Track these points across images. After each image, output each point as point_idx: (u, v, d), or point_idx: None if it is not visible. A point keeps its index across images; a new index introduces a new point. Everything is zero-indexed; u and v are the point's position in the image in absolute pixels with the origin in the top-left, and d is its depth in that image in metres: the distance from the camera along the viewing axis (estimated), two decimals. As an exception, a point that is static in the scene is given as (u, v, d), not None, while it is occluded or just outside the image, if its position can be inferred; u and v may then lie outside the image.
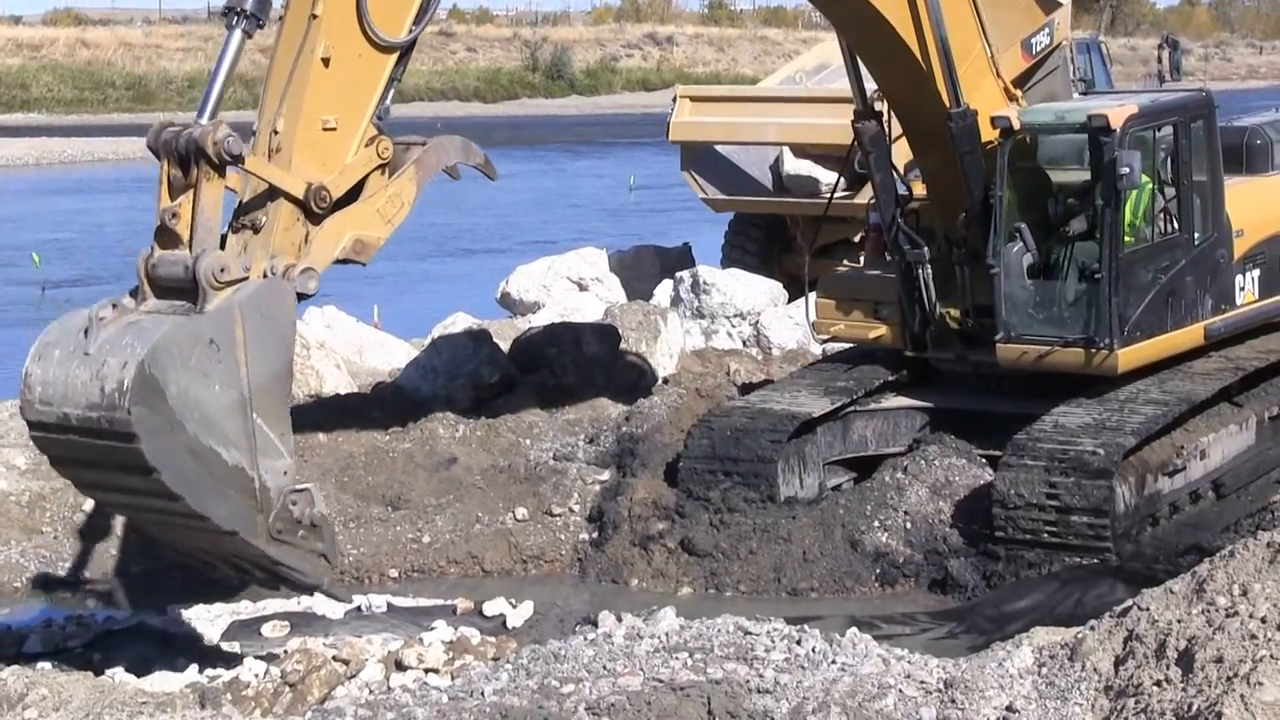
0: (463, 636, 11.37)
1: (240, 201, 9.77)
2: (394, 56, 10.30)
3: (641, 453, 14.26)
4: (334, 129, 9.98)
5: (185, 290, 9.24)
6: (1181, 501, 13.33)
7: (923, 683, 7.87)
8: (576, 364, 16.83)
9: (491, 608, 12.24)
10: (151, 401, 8.74)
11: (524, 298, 22.35)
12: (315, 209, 9.74)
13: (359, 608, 12.29)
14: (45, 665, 10.30)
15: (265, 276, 9.40)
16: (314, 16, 9.92)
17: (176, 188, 9.40)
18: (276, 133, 9.85)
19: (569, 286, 22.40)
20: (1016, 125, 13.37)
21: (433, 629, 11.58)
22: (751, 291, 20.52)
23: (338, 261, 10.05)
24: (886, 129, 14.06)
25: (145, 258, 9.44)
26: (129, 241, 37.42)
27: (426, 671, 10.68)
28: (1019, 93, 13.96)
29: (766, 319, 19.78)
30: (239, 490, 9.21)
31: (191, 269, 9.14)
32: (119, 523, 13.80)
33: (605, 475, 14.27)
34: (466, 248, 36.05)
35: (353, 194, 10.10)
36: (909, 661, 8.24)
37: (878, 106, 14.04)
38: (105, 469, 9.12)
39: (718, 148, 22.36)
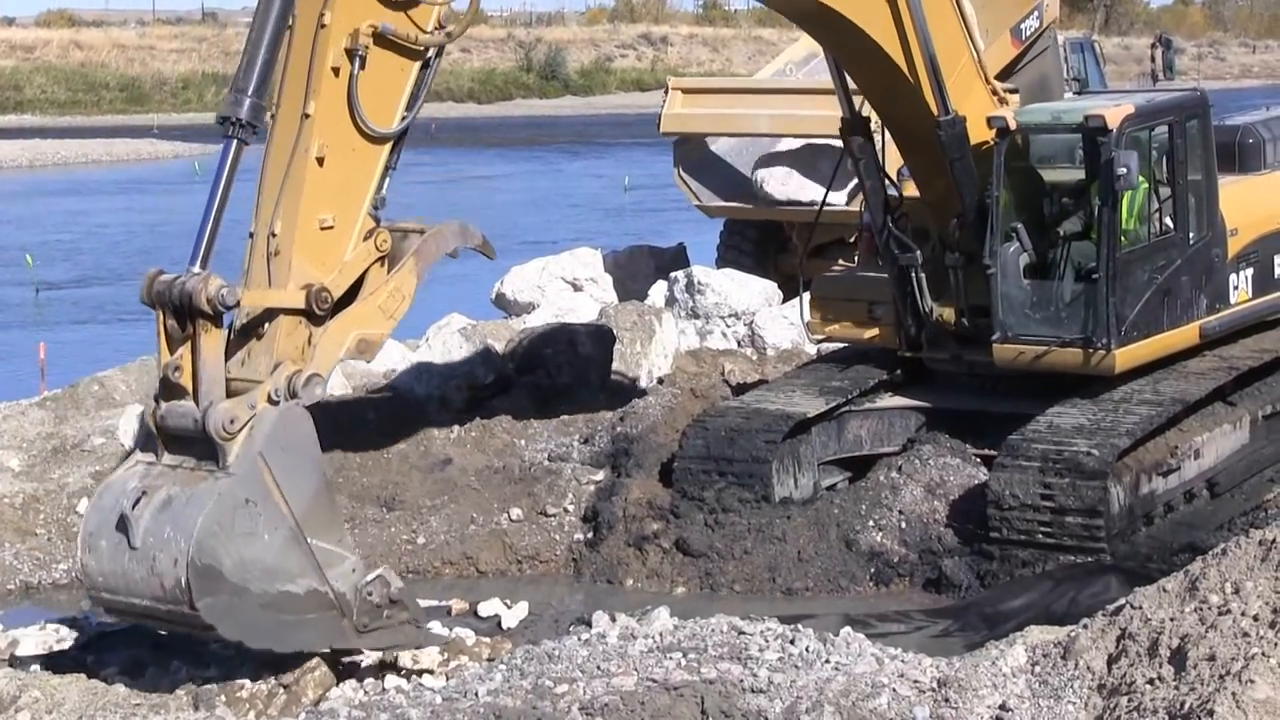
0: (458, 637, 11.35)
1: (236, 327, 9.72)
2: (388, 146, 10.29)
3: (636, 453, 14.26)
4: (331, 227, 9.96)
5: (196, 440, 9.29)
6: (1176, 501, 13.33)
7: (916, 682, 7.88)
8: (571, 364, 16.84)
9: (486, 608, 12.24)
10: (213, 589, 8.94)
11: (519, 298, 22.35)
12: (317, 311, 9.74)
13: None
14: (38, 668, 10.28)
15: (270, 398, 9.38)
16: (306, 116, 9.90)
17: (175, 339, 9.40)
18: (274, 235, 9.83)
19: (563, 287, 22.39)
20: (1013, 125, 13.38)
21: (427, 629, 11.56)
22: (746, 292, 20.52)
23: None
24: (874, 137, 14.06)
25: (153, 411, 9.49)
26: (123, 243, 37.46)
27: (421, 673, 10.67)
28: (1008, 95, 13.96)
29: (761, 319, 19.78)
30: (319, 610, 9.43)
31: (201, 423, 9.19)
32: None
33: (600, 475, 14.27)
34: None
35: (353, 289, 10.10)
36: (903, 660, 8.25)
37: (865, 114, 14.03)
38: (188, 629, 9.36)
39: (713, 149, 22.34)
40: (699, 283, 20.47)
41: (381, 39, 10.14)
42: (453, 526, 13.75)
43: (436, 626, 11.62)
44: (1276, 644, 7.09)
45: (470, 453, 14.84)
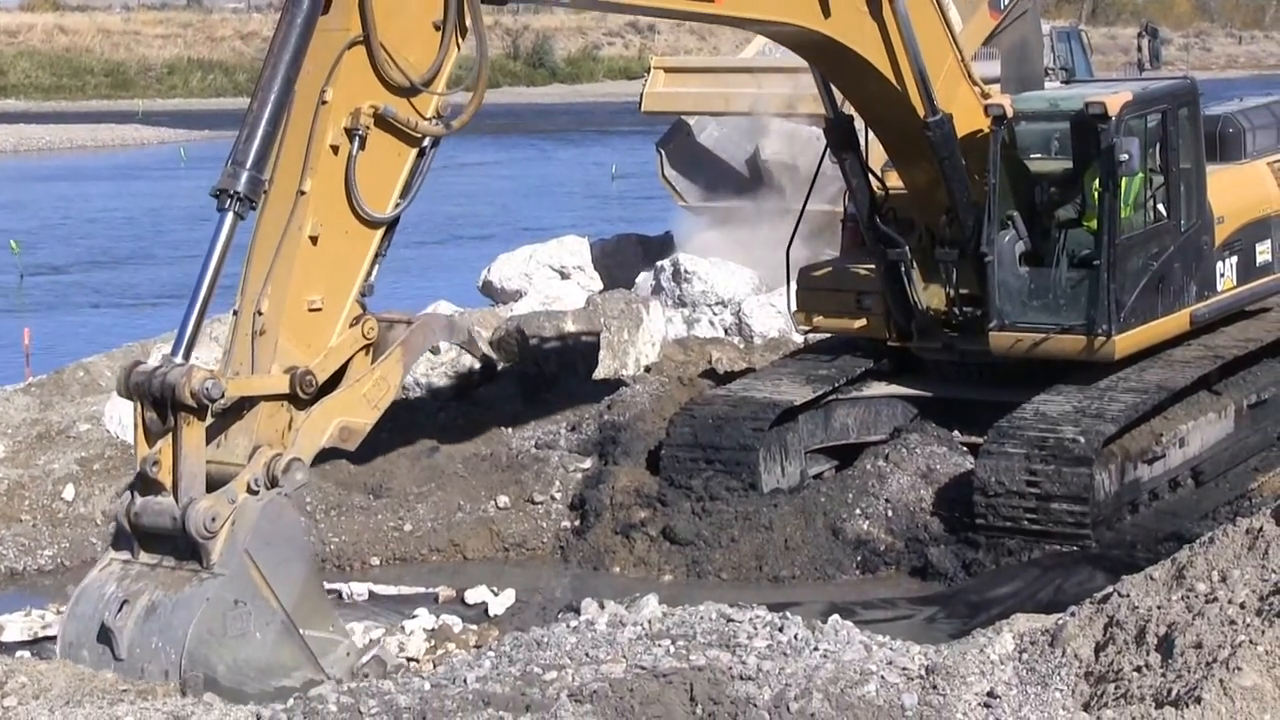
0: (445, 624, 11.36)
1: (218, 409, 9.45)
2: (380, 232, 10.09)
3: (623, 441, 14.27)
4: (320, 309, 9.74)
5: (174, 537, 9.02)
6: (1161, 489, 13.37)
7: (904, 669, 7.89)
8: (558, 352, 16.83)
9: (473, 595, 12.25)
10: (208, 693, 8.68)
11: (506, 286, 22.33)
12: (301, 394, 9.51)
13: (341, 595, 12.28)
14: (24, 654, 10.27)
15: (250, 488, 9.12)
16: (302, 193, 9.70)
17: (154, 432, 9.13)
18: (260, 314, 9.59)
19: (551, 275, 22.38)
20: (1010, 113, 13.38)
21: (415, 617, 11.58)
22: (732, 280, 20.51)
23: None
24: (858, 134, 14.06)
25: (128, 506, 9.21)
26: (109, 229, 37.37)
27: (409, 660, 10.68)
28: (992, 90, 13.96)
29: (748, 307, 19.77)
30: None
31: (180, 521, 8.93)
32: (98, 511, 13.78)
33: (587, 463, 14.28)
34: (448, 236, 36.00)
35: (335, 376, 9.86)
36: (891, 648, 8.26)
37: (848, 112, 14.02)
38: None
39: (700, 139, 22.31)
40: (685, 271, 20.46)
41: (382, 121, 9.93)
42: (440, 514, 13.75)
43: (424, 614, 11.64)
44: (1263, 631, 7.11)
45: (457, 440, 14.83)
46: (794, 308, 14.92)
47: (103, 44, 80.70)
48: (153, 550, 9.16)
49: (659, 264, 21.08)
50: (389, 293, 26.80)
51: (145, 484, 9.13)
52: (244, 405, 9.47)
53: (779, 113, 20.65)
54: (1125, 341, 13.22)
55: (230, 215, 9.42)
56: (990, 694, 7.64)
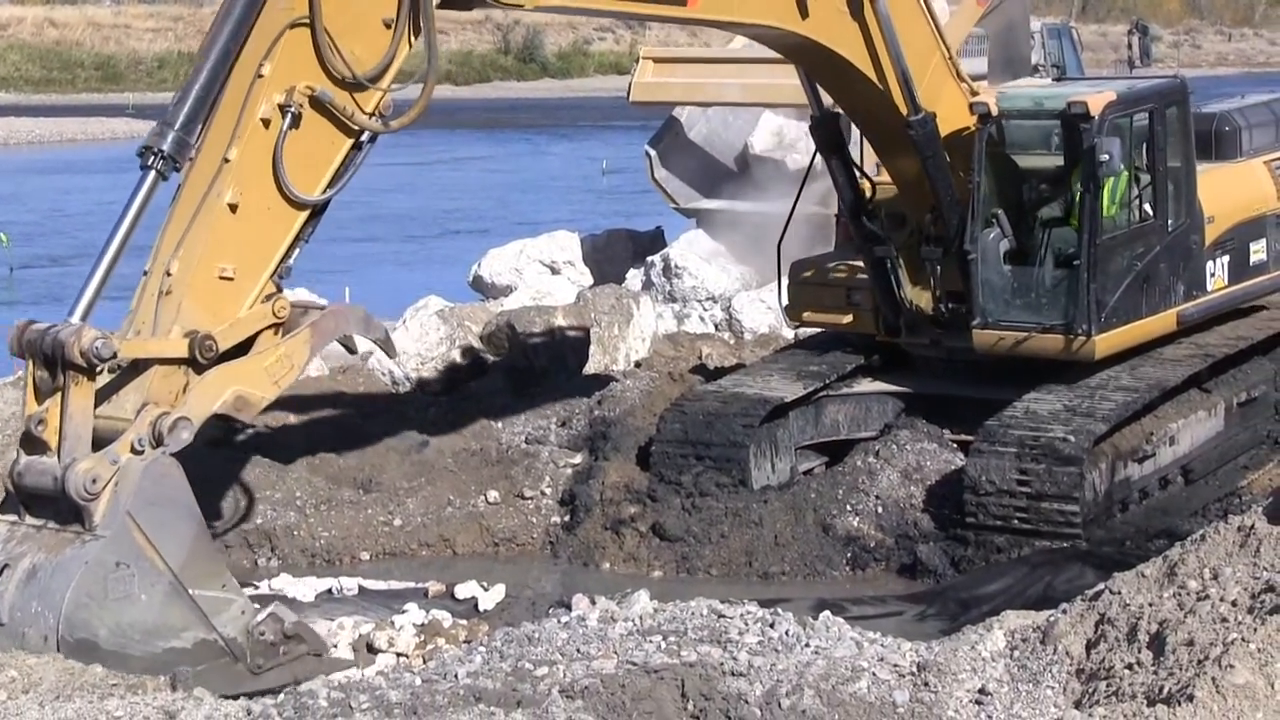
0: (434, 619, 11.35)
1: (117, 363, 9.29)
2: (305, 214, 9.92)
3: (613, 436, 14.26)
4: (231, 279, 9.58)
5: (56, 499, 8.89)
6: (1151, 487, 13.38)
7: (896, 666, 7.88)
8: (548, 347, 16.83)
9: (463, 590, 12.23)
10: (89, 657, 8.57)
11: (496, 281, 22.33)
12: (199, 359, 9.35)
13: (330, 590, 12.27)
14: (14, 648, 10.22)
15: (134, 448, 8.98)
16: (226, 160, 9.59)
17: (44, 390, 9.01)
18: (169, 274, 9.46)
19: (541, 270, 22.38)
20: (994, 111, 13.38)
21: (404, 612, 11.56)
22: (723, 276, 20.52)
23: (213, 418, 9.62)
24: (844, 132, 14.06)
25: (12, 466, 9.09)
26: (100, 222, 37.25)
27: (398, 655, 10.67)
28: (979, 87, 13.96)
29: (739, 303, 19.78)
30: (209, 658, 9.11)
31: (61, 481, 8.79)
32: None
33: (577, 459, 14.27)
34: (441, 230, 35.98)
35: (240, 349, 9.71)
36: (882, 645, 8.25)
37: (835, 110, 14.01)
38: None
39: (689, 135, 22.27)
40: (676, 266, 20.47)
41: (319, 105, 9.81)
42: (429, 508, 13.73)
43: (413, 609, 11.62)
44: (1255, 629, 7.11)
45: (447, 435, 14.81)
46: (785, 303, 14.92)
47: (93, 37, 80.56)
48: (39, 512, 9.06)
49: (649, 259, 21.09)
50: (373, 287, 26.85)
51: (30, 443, 9.05)
52: (142, 365, 9.35)
53: (769, 103, 20.62)
54: (1106, 341, 13.22)
55: (152, 174, 9.40)
56: (982, 691, 7.64)
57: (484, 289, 22.44)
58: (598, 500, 13.50)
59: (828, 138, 13.94)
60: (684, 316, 20.02)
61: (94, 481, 8.84)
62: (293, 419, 14.92)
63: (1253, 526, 7.90)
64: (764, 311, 19.36)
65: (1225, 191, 14.57)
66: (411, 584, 12.48)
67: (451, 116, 60.41)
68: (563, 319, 17.28)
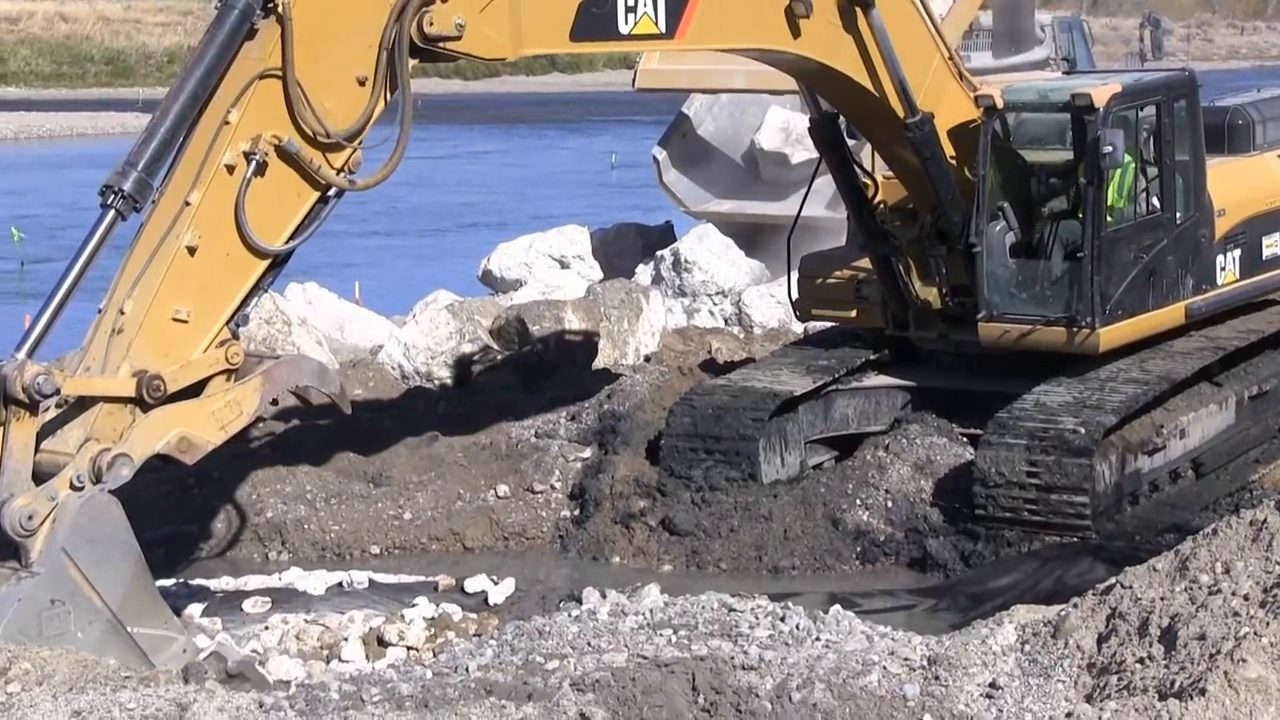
0: (444, 613, 11.36)
1: (61, 399, 9.12)
2: (265, 263, 9.76)
3: (623, 430, 14.25)
4: (185, 321, 9.42)
5: None
6: (1161, 480, 13.36)
7: (906, 659, 7.88)
8: (558, 342, 16.82)
9: (473, 584, 12.24)
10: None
11: (506, 275, 22.34)
12: (146, 398, 9.18)
13: (340, 584, 12.28)
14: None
15: (73, 484, 8.85)
16: (187, 204, 9.46)
17: None
18: (123, 313, 9.32)
19: (550, 264, 22.39)
20: (1000, 104, 13.37)
21: (414, 606, 11.57)
22: (733, 269, 20.51)
23: (155, 458, 9.45)
24: (844, 135, 14.05)
25: None
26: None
27: (408, 649, 10.68)
28: (980, 83, 13.95)
29: (748, 297, 19.78)
30: None
31: None
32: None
33: (587, 453, 14.27)
34: (447, 225, 35.99)
35: (190, 394, 9.52)
36: (893, 639, 8.26)
37: (834, 111, 14.00)
38: None
39: (700, 133, 22.23)
40: (686, 260, 20.46)
41: (284, 154, 9.69)
42: (439, 503, 13.74)
43: (424, 602, 11.63)
44: (1267, 623, 7.10)
45: (457, 429, 14.82)
46: (794, 298, 14.93)
47: (103, 31, 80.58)
48: None
49: (659, 253, 21.08)
50: (383, 281, 26.79)
51: None
52: (88, 401, 9.21)
53: (776, 90, 20.57)
54: (1111, 335, 13.20)
55: (111, 213, 9.26)
56: (992, 685, 7.64)
57: (494, 283, 22.45)
58: (607, 494, 13.51)
59: (827, 139, 13.94)
60: (693, 311, 20.02)
61: (30, 518, 8.69)
62: (303, 414, 14.92)
63: (1265, 520, 7.89)
64: (774, 306, 19.36)
65: (1237, 185, 14.53)
66: (421, 578, 12.50)
67: (461, 112, 60.47)
68: (572, 313, 17.28)
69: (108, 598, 8.85)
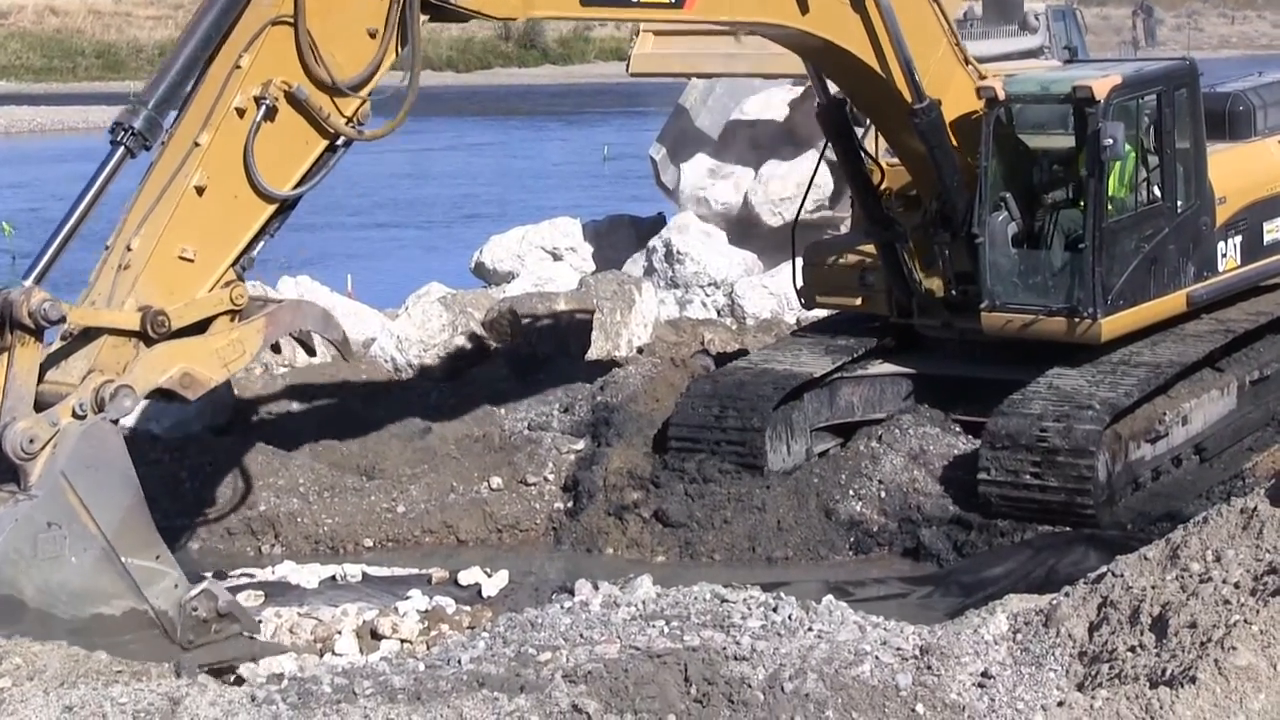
0: (438, 606, 11.36)
1: (66, 331, 9.22)
2: (272, 208, 9.84)
3: (616, 422, 14.26)
4: (191, 260, 9.49)
5: None
6: (1164, 466, 13.38)
7: (899, 649, 7.88)
8: (551, 333, 16.82)
9: (467, 577, 12.24)
10: (13, 618, 8.48)
11: (498, 267, 22.33)
12: (151, 334, 9.25)
13: (334, 577, 12.28)
14: (19, 634, 10.24)
15: (75, 413, 8.90)
16: (197, 144, 9.53)
17: None
18: (130, 249, 9.39)
19: (543, 256, 22.38)
20: (1001, 96, 13.38)
21: (408, 598, 11.57)
22: (725, 261, 20.50)
23: (157, 394, 9.51)
24: (850, 119, 14.06)
25: None
26: (102, 212, 37.23)
27: (402, 641, 10.68)
28: (988, 71, 13.97)
29: (741, 288, 19.77)
30: (137, 629, 8.98)
31: None
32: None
33: (580, 444, 14.27)
34: (438, 218, 35.96)
35: (193, 332, 9.59)
36: (885, 628, 8.25)
37: (841, 96, 14.02)
38: None
39: (698, 125, 22.19)
40: (678, 252, 20.45)
41: (294, 100, 9.77)
42: (433, 495, 13.74)
43: (417, 595, 11.63)
44: (1258, 611, 7.11)
45: (450, 421, 14.82)
46: (799, 285, 14.95)
47: (94, 25, 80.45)
48: None
49: (651, 245, 21.06)
50: (376, 274, 26.76)
51: None
52: (92, 334, 9.29)
53: (769, 74, 20.58)
54: (1113, 324, 13.23)
55: (120, 150, 9.35)
56: (985, 674, 7.64)
57: (486, 275, 22.44)
58: (601, 486, 13.51)
59: (834, 124, 13.94)
60: (686, 302, 20.01)
61: (31, 441, 8.76)
62: (296, 406, 14.94)
63: (1255, 509, 7.89)
64: (766, 297, 19.37)
65: (1238, 171, 14.55)
66: (415, 570, 12.49)
67: (454, 103, 60.41)
68: (565, 305, 17.29)
69: (103, 525, 8.89)
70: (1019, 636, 7.98)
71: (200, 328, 9.61)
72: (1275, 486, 8.04)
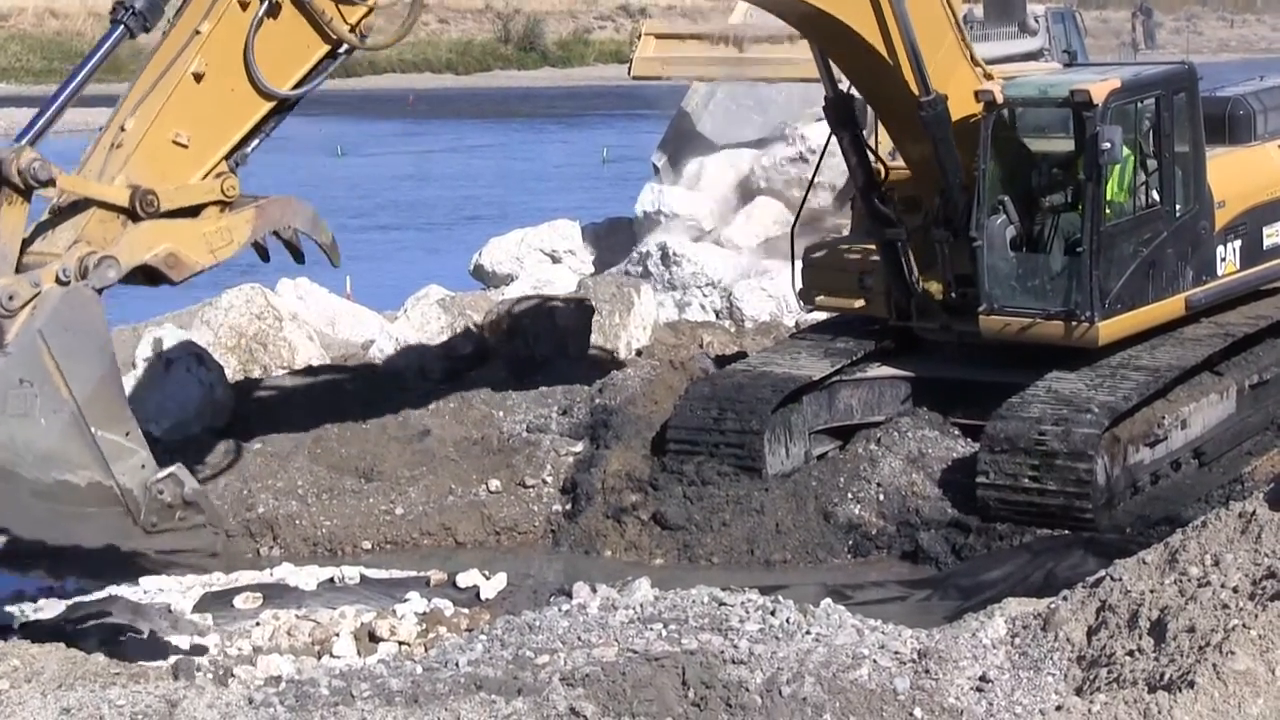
0: (436, 608, 11.36)
1: (55, 205, 9.26)
2: (268, 106, 9.86)
3: (615, 424, 14.25)
4: (185, 146, 9.52)
5: None
6: (1163, 470, 13.38)
7: (897, 653, 7.88)
8: (549, 336, 16.81)
9: (465, 579, 12.23)
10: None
11: (497, 270, 22.31)
12: (140, 212, 9.25)
13: (332, 579, 12.28)
14: (16, 636, 10.25)
15: (59, 278, 8.88)
16: (197, 32, 9.56)
17: None
18: (124, 130, 9.41)
19: (542, 258, 22.36)
20: (1000, 99, 13.38)
21: (406, 600, 11.57)
22: (722, 262, 20.47)
23: (141, 275, 9.47)
24: (857, 114, 14.07)
25: None
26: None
27: (400, 644, 10.68)
28: (993, 72, 13.98)
29: (739, 291, 19.75)
30: (101, 504, 8.92)
31: None
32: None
33: (578, 447, 14.25)
34: (439, 220, 35.94)
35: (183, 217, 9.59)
36: (883, 632, 8.25)
37: (849, 92, 14.03)
38: None
39: (700, 130, 22.17)
40: (674, 254, 20.40)
41: (300, 4, 9.81)
42: (431, 497, 13.73)
43: (415, 597, 11.63)
44: (1256, 615, 7.11)
45: (449, 424, 14.80)
46: (798, 286, 14.94)
47: (94, 27, 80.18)
48: None
49: (644, 249, 20.94)
50: (375, 276, 26.71)
51: None
52: (81, 207, 9.27)
53: (771, 78, 20.56)
54: (1110, 328, 13.23)
55: (120, 29, 9.37)
56: (983, 678, 7.64)
57: (485, 278, 22.42)
58: (599, 489, 13.49)
59: (841, 118, 13.94)
60: (684, 304, 19.99)
61: (11, 299, 8.74)
62: (294, 408, 14.92)
63: (1254, 513, 7.89)
64: (765, 299, 19.35)
65: (1238, 175, 14.54)
66: (413, 573, 12.49)
67: (455, 105, 60.38)
68: (564, 307, 17.27)
69: (76, 391, 8.83)
70: (1017, 640, 7.98)
71: (190, 216, 9.59)
72: (1274, 491, 8.04)
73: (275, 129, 10.08)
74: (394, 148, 47.05)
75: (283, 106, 9.97)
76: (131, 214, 9.26)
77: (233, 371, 15.80)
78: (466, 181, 41.00)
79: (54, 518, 8.76)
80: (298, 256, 10.64)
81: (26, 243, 9.08)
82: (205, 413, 14.58)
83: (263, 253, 10.42)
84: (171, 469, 9.30)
